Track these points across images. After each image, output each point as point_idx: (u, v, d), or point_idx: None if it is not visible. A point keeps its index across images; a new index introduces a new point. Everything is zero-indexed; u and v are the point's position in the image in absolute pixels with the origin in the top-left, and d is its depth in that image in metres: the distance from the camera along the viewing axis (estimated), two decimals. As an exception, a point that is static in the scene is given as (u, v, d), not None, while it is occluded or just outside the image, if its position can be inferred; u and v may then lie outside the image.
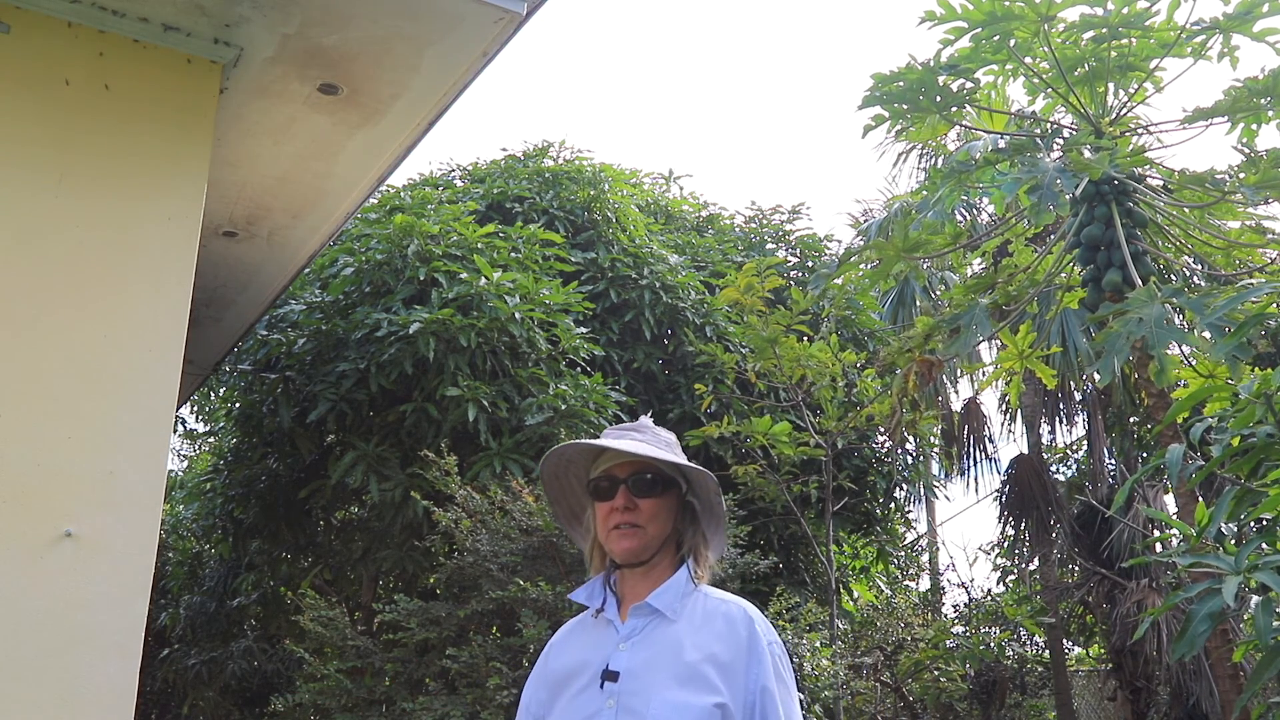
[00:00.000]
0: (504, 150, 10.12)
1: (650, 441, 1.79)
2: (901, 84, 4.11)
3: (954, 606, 11.22)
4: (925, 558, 12.82)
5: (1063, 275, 4.55)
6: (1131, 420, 11.68)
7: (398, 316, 6.08)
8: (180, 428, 10.89)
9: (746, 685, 1.63)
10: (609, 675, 1.66)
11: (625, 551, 1.74)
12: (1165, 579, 9.57)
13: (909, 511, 11.22)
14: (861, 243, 9.91)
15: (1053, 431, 12.46)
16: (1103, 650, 12.07)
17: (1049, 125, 4.66)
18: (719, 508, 1.81)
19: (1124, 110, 4.35)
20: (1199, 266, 4.83)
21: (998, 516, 11.39)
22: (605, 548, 1.79)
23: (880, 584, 9.59)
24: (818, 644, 5.69)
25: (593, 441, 1.80)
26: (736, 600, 1.75)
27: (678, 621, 1.70)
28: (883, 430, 7.71)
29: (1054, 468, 13.21)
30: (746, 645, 1.66)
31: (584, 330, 6.79)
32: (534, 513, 5.16)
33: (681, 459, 1.79)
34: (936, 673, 8.04)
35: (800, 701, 1.73)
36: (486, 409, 6.00)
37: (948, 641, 8.24)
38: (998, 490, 11.42)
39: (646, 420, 1.87)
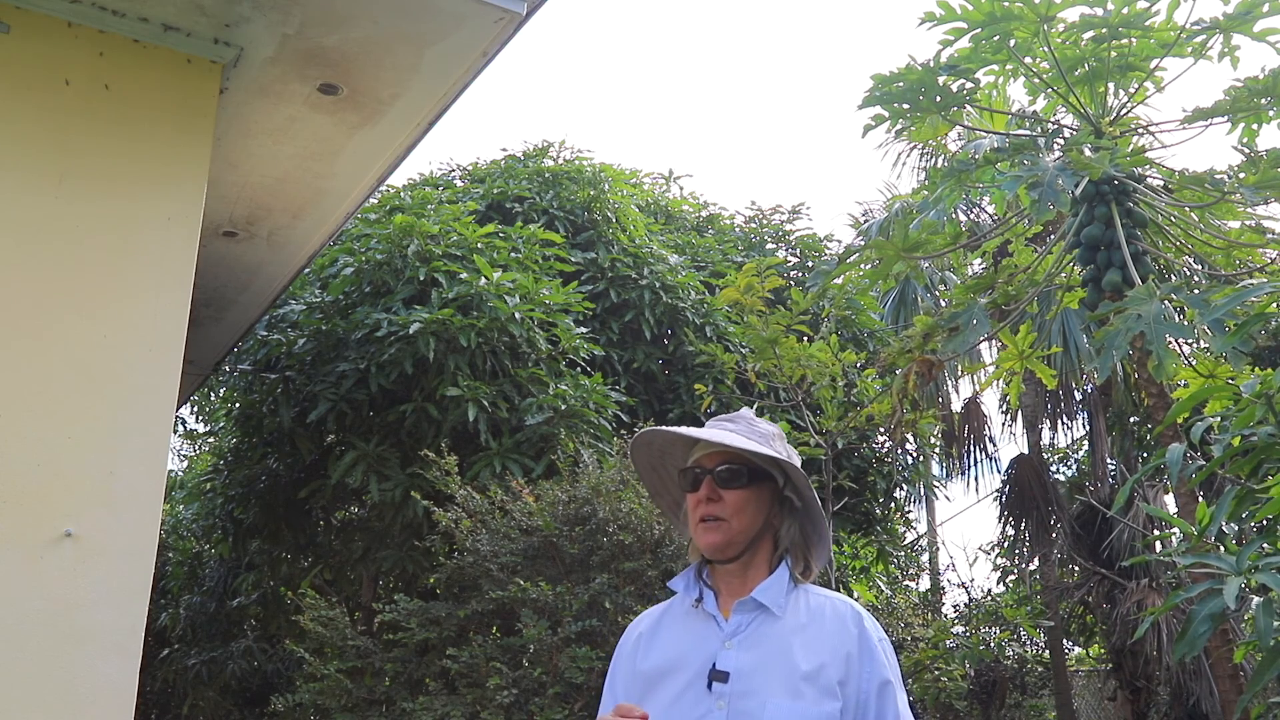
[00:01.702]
0: (504, 150, 10.14)
1: (743, 432, 1.70)
2: (901, 84, 4.10)
3: (954, 606, 11.21)
4: (925, 558, 12.82)
5: (1063, 275, 4.54)
6: (1132, 420, 11.68)
7: (398, 316, 6.07)
8: (180, 428, 10.89)
9: (860, 684, 1.58)
10: (718, 675, 1.57)
11: (709, 546, 1.67)
12: (1165, 579, 9.58)
13: (909, 511, 11.25)
14: (861, 243, 9.90)
15: (1053, 431, 12.47)
16: (1103, 650, 12.07)
17: (1049, 125, 4.66)
18: (816, 504, 1.72)
19: (1124, 110, 4.34)
20: (1199, 266, 4.83)
21: (998, 516, 11.40)
22: (694, 541, 1.72)
23: (880, 584, 9.58)
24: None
25: (678, 429, 1.74)
26: (841, 597, 1.69)
27: (783, 618, 1.63)
28: (883, 430, 7.70)
29: (1054, 468, 13.24)
30: (858, 642, 1.60)
31: (584, 330, 6.79)
32: (534, 513, 5.15)
33: (777, 451, 1.70)
34: (937, 673, 8.02)
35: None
36: (486, 409, 6.00)
37: (948, 641, 8.22)
38: (998, 490, 11.43)
39: (747, 412, 1.78)
